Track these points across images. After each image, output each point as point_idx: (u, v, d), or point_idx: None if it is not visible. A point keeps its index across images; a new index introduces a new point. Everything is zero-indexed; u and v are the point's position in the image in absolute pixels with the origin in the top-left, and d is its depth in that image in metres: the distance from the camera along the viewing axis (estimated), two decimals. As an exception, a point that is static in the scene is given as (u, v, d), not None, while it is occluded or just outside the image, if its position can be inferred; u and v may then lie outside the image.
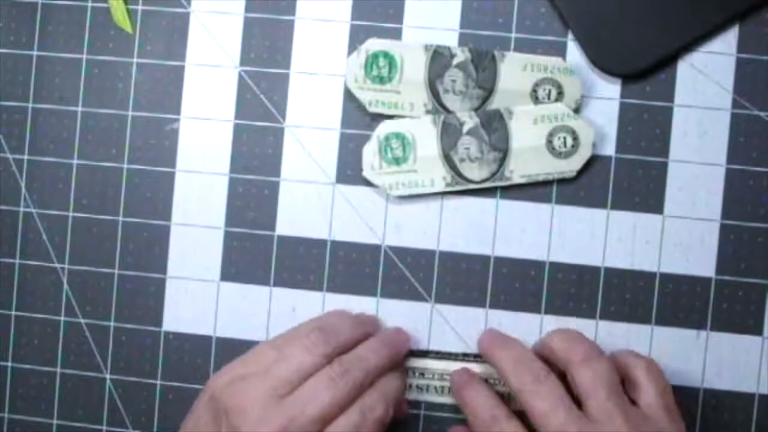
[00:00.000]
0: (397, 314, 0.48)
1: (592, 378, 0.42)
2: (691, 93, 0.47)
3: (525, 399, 0.42)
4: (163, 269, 0.49)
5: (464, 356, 0.47)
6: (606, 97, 0.48)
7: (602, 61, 0.47)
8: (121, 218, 0.50)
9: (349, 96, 0.48)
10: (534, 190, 0.48)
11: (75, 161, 0.50)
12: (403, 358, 0.47)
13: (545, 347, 0.44)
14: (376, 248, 0.48)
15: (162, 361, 0.49)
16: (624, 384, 0.43)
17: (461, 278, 0.48)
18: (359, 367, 0.42)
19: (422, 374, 0.47)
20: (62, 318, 0.50)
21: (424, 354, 0.47)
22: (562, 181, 0.48)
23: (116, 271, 0.50)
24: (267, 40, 0.49)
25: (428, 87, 0.47)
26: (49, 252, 0.50)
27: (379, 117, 0.48)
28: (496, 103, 0.47)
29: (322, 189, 0.49)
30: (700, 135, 0.47)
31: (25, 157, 0.50)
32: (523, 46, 0.48)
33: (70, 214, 0.50)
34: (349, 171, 0.49)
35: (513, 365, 0.43)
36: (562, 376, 0.43)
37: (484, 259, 0.48)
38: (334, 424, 0.41)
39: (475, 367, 0.47)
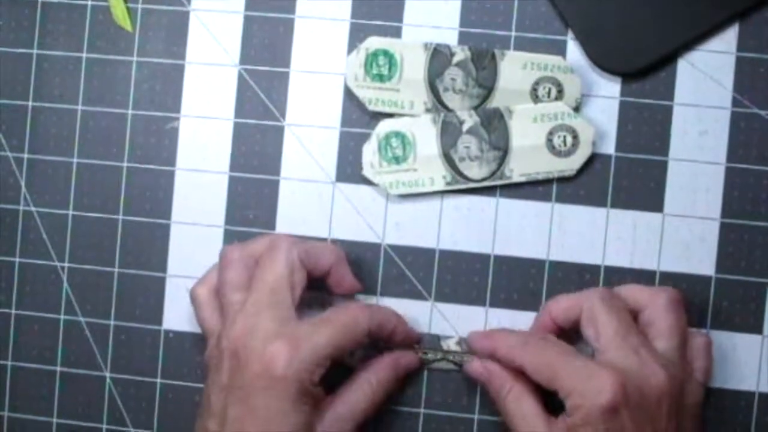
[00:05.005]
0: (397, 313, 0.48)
1: (671, 324, 0.43)
2: (691, 91, 0.47)
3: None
4: (163, 268, 0.49)
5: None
6: (606, 96, 0.48)
7: (602, 59, 0.47)
8: (121, 217, 0.50)
9: (349, 94, 0.48)
10: (534, 188, 0.48)
11: (75, 160, 0.50)
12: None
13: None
14: (376, 247, 0.48)
15: (162, 360, 0.49)
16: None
17: (461, 277, 0.48)
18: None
19: (425, 352, 0.47)
20: (62, 317, 0.50)
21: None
22: (562, 180, 0.48)
23: (116, 270, 0.50)
24: (267, 39, 0.49)
25: (428, 85, 0.47)
26: (49, 251, 0.50)
27: (379, 115, 0.48)
28: (495, 102, 0.47)
29: (322, 188, 0.49)
30: (700, 133, 0.47)
31: (25, 155, 0.50)
32: (523, 45, 0.48)
33: (70, 212, 0.50)
34: (349, 170, 0.49)
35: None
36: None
37: (484, 258, 0.48)
38: None
39: None
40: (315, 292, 0.46)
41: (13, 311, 0.50)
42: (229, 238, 0.49)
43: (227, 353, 0.42)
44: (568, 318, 0.44)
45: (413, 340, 0.47)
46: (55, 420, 0.50)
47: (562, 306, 0.45)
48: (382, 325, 0.44)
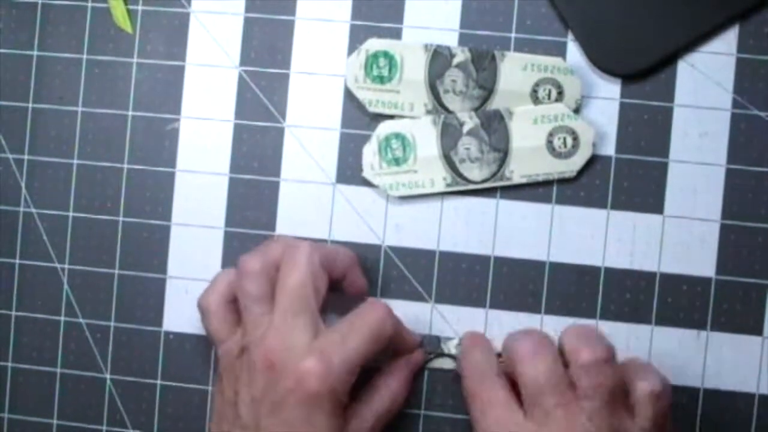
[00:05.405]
0: (397, 314, 0.48)
1: (592, 385, 0.40)
2: (692, 93, 0.47)
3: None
4: (163, 269, 0.49)
5: None
6: (606, 97, 0.48)
7: (602, 61, 0.47)
8: (121, 218, 0.50)
9: (349, 96, 0.48)
10: (534, 190, 0.48)
11: (75, 161, 0.50)
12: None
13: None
14: (376, 248, 0.48)
15: (162, 361, 0.49)
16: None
17: (461, 278, 0.48)
18: None
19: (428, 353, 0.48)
20: (62, 318, 0.50)
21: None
22: (562, 182, 0.48)
23: (116, 271, 0.50)
24: (267, 40, 0.49)
25: (428, 87, 0.47)
26: (49, 252, 0.50)
27: (379, 117, 0.48)
28: (496, 104, 0.47)
29: (322, 189, 0.49)
30: (700, 135, 0.47)
31: (25, 157, 0.50)
32: (523, 46, 0.48)
33: (70, 214, 0.50)
34: (349, 171, 0.49)
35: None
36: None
37: (484, 259, 0.48)
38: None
39: None
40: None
41: (14, 313, 0.50)
42: (230, 239, 0.49)
43: (261, 366, 0.41)
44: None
45: (416, 346, 0.47)
46: (55, 422, 0.50)
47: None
48: (396, 326, 0.45)
